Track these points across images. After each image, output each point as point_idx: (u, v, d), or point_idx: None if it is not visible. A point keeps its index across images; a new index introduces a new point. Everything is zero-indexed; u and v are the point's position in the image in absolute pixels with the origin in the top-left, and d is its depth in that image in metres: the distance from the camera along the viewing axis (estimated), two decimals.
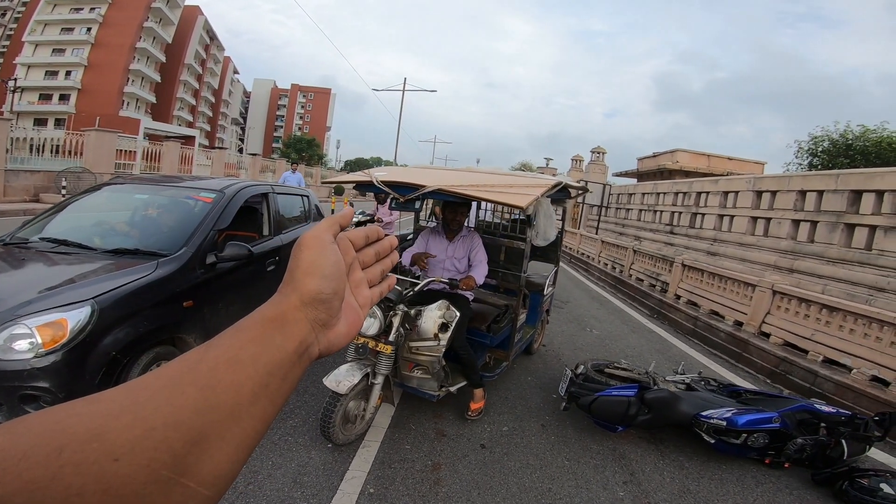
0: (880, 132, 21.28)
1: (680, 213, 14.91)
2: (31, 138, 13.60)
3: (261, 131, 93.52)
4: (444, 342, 3.08)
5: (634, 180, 25.33)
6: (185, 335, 3.07)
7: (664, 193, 16.46)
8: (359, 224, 7.68)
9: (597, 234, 17.46)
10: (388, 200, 3.44)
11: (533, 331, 4.89)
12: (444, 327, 3.08)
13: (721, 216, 12.37)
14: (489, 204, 5.25)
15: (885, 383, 4.68)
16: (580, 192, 4.62)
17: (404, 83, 30.30)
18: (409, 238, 6.66)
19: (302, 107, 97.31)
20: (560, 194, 4.07)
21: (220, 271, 3.38)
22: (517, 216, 4.98)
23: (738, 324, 6.88)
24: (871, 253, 7.84)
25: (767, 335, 6.31)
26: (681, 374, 4.33)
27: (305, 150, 66.59)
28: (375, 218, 7.97)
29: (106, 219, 3.73)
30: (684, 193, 14.83)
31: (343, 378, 2.83)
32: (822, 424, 3.49)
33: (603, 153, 31.58)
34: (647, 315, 8.80)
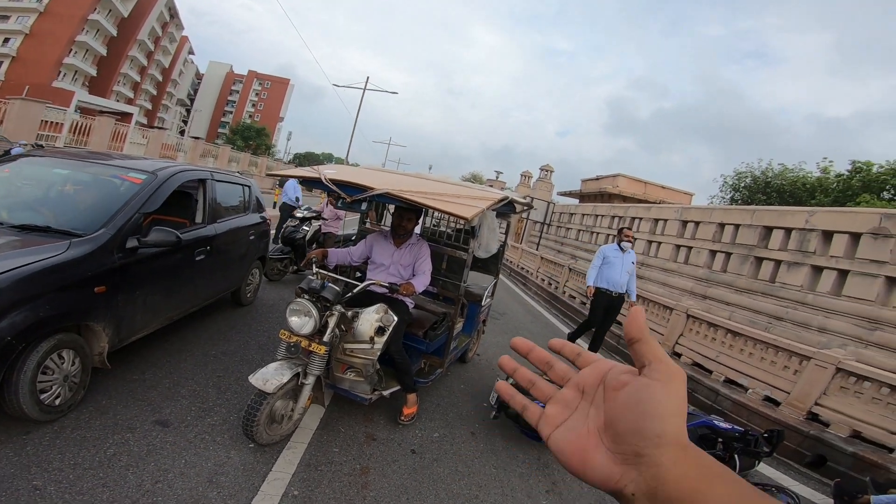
0: (797, 172, 23.45)
1: (614, 236, 15.70)
2: None
3: (208, 115, 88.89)
4: (379, 345, 3.06)
5: (577, 200, 26.37)
6: (94, 323, 2.82)
7: (602, 216, 17.31)
8: (303, 220, 7.48)
9: (537, 250, 18.04)
10: (337, 200, 3.38)
11: (468, 339, 4.97)
12: (380, 331, 3.06)
13: (650, 241, 13.17)
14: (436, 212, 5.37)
15: (776, 403, 5.20)
16: (525, 208, 4.70)
17: (366, 82, 29.66)
18: (352, 239, 6.58)
19: (256, 94, 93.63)
20: (506, 208, 4.16)
21: (142, 257, 3.14)
22: (462, 226, 5.02)
23: None
24: (774, 285, 8.66)
25: (679, 355, 6.82)
26: None
27: (253, 139, 63.99)
28: (321, 216, 7.74)
29: (18, 192, 3.42)
30: (619, 217, 15.68)
31: (271, 377, 2.73)
32: (720, 440, 3.75)
33: (551, 171, 32.67)
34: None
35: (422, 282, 3.46)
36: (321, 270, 3.22)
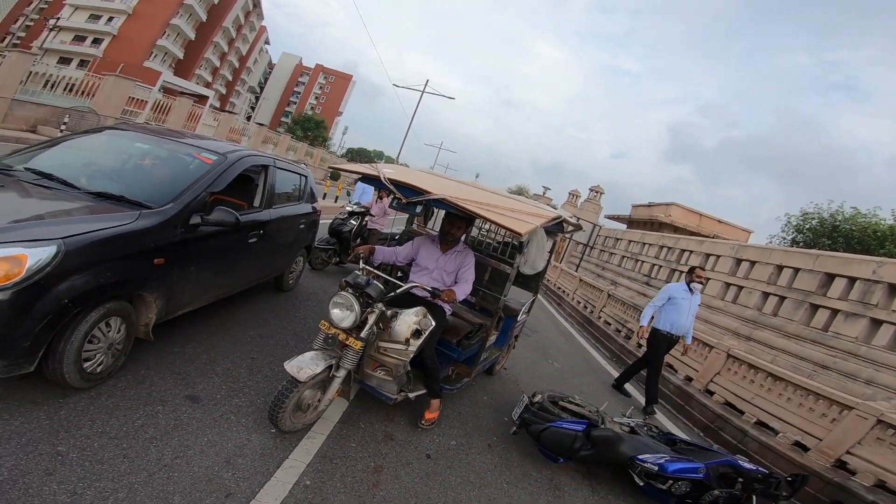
0: (870, 218, 21.62)
1: (660, 266, 15.25)
2: (50, 74, 13.43)
3: (274, 103, 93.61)
4: (413, 348, 3.06)
5: (624, 226, 25.70)
6: (147, 293, 2.88)
7: (649, 245, 16.81)
8: (352, 214, 7.63)
9: (577, 271, 17.72)
10: (390, 199, 3.44)
11: (499, 353, 4.95)
12: (417, 333, 3.06)
13: None
14: (485, 222, 5.39)
15: (805, 448, 4.97)
16: (574, 229, 4.64)
17: (425, 85, 29.82)
18: (395, 238, 6.70)
19: (320, 88, 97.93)
20: (554, 228, 4.13)
21: (201, 234, 3.23)
22: (509, 240, 5.04)
23: (689, 379, 7.11)
24: (827, 334, 8.16)
25: (712, 393, 6.54)
26: (627, 418, 4.46)
27: (312, 130, 66.23)
28: (369, 212, 7.84)
29: (99, 161, 3.56)
30: (668, 248, 15.18)
31: (306, 365, 2.78)
32: (740, 479, 3.64)
33: (600, 193, 31.95)
34: (608, 357, 9.00)
35: (463, 290, 3.46)
36: (367, 267, 3.27)
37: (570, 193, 34.85)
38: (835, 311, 8.29)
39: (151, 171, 3.51)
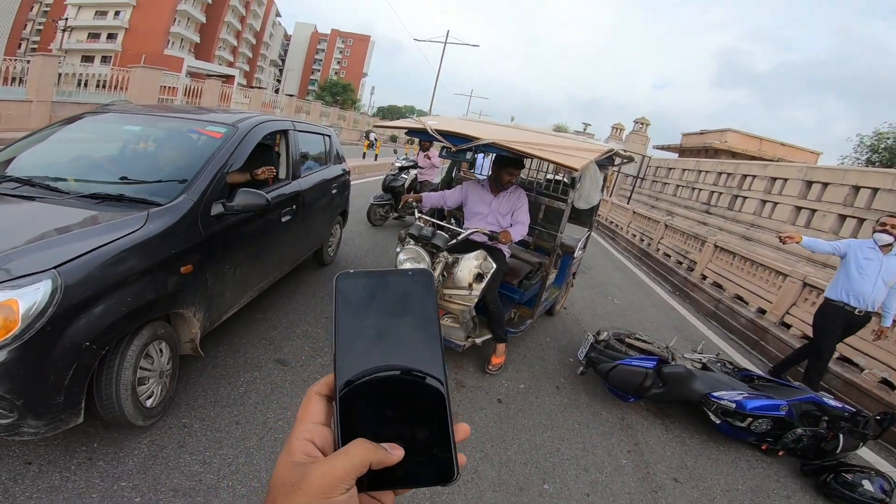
0: None
1: (720, 193, 14.17)
2: (79, 73, 13.83)
3: (298, 74, 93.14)
4: (477, 292, 2.98)
5: (675, 155, 24.00)
6: (183, 309, 2.34)
7: (706, 172, 15.60)
8: (402, 169, 7.76)
9: (628, 204, 16.82)
10: (440, 149, 3.33)
11: (558, 292, 4.80)
12: (479, 277, 2.98)
13: (764, 202, 11.70)
14: (532, 162, 5.16)
15: (893, 387, 4.47)
16: (625, 160, 4.39)
17: (447, 36, 28.83)
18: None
19: (340, 52, 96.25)
20: (605, 161, 3.94)
21: (227, 224, 2.60)
22: (560, 177, 4.83)
23: (762, 311, 6.61)
24: None
25: (788, 326, 6.05)
26: (699, 353, 4.23)
27: (340, 95, 66.08)
28: (419, 164, 7.97)
29: (86, 154, 2.92)
30: (728, 174, 14.01)
31: None
32: (825, 418, 3.40)
33: (646, 124, 29.98)
34: (670, 291, 8.56)
35: (519, 231, 3.32)
36: (425, 216, 3.21)
37: (613, 127, 32.95)
38: None
39: (151, 159, 2.89)
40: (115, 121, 3.19)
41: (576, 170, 2.86)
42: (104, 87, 14.06)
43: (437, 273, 2.87)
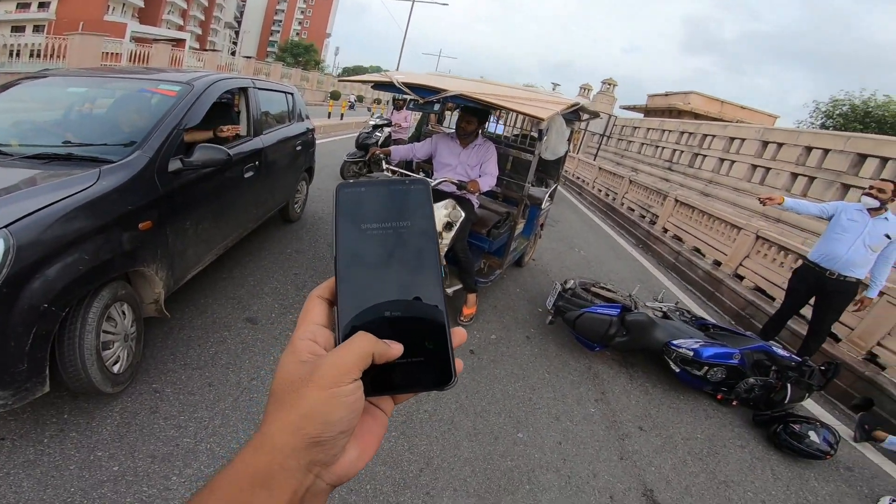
0: None
1: (682, 151, 14.33)
2: (9, 44, 12.49)
3: (256, 35, 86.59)
4: (447, 241, 2.93)
5: (641, 115, 24.05)
6: (144, 267, 2.21)
7: (669, 131, 15.71)
8: (376, 127, 7.64)
9: (594, 160, 16.82)
10: (407, 102, 3.25)
11: (527, 242, 4.79)
12: (448, 226, 2.93)
13: (722, 160, 11.89)
14: (500, 116, 5.03)
15: (837, 339, 4.68)
16: (591, 116, 4.45)
17: None
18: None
19: (301, 12, 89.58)
20: (571, 116, 3.94)
21: (187, 181, 2.50)
22: (529, 131, 4.80)
23: (717, 263, 6.79)
24: None
25: (741, 278, 6.25)
26: (659, 302, 4.29)
27: (302, 56, 62.28)
28: (393, 122, 7.84)
29: (29, 119, 2.71)
30: (690, 134, 14.13)
31: None
32: (774, 367, 3.47)
33: (613, 85, 29.73)
34: (633, 244, 8.69)
35: (488, 182, 3.31)
36: (392, 168, 3.12)
37: (581, 87, 32.50)
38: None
39: (101, 119, 2.73)
40: (56, 84, 2.96)
41: (542, 119, 2.88)
42: (39, 56, 12.71)
43: None
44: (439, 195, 3.18)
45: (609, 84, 29.93)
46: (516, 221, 3.88)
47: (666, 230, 8.48)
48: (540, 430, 2.61)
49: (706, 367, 3.29)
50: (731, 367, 3.32)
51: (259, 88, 3.76)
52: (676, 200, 8.49)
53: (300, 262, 3.95)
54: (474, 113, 3.36)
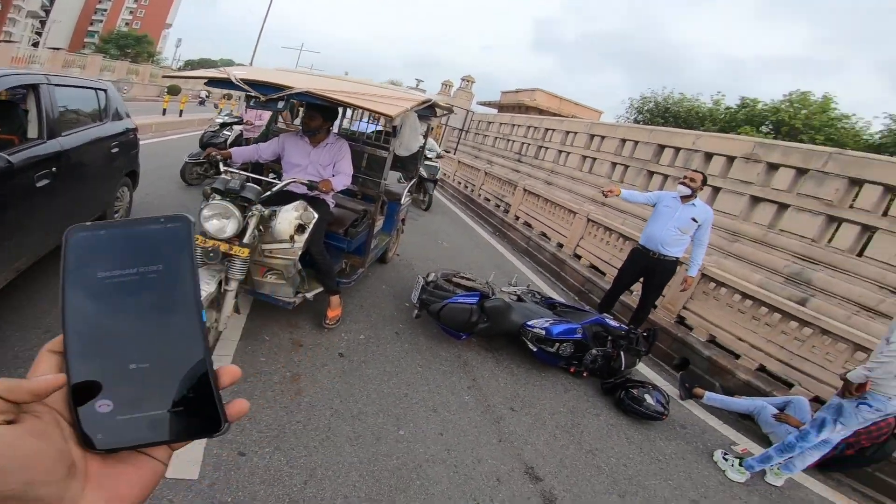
0: (693, 101, 24.92)
1: (529, 144, 15.81)
2: None
3: (70, 25, 73.61)
4: (300, 244, 2.86)
5: (496, 111, 26.02)
6: None
7: (518, 126, 17.19)
8: (224, 125, 6.98)
9: (454, 154, 17.71)
10: (249, 100, 3.05)
11: (388, 238, 4.83)
12: (300, 229, 2.86)
13: (560, 152, 13.43)
14: (356, 113, 5.02)
15: (655, 306, 5.63)
16: (446, 112, 4.61)
17: None
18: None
19: (135, 1, 78.90)
20: (427, 111, 4.02)
21: None
22: (382, 127, 4.82)
23: (560, 246, 7.77)
24: None
25: (580, 257, 7.25)
26: (513, 287, 4.64)
27: (132, 47, 54.12)
28: (245, 120, 7.12)
29: None
30: (535, 128, 15.66)
31: None
32: (609, 337, 3.90)
33: (471, 82, 31.73)
34: (491, 232, 9.45)
35: (342, 181, 3.28)
36: (231, 170, 2.87)
37: (442, 84, 34.06)
38: (665, 176, 9.36)
39: None
40: None
41: (391, 117, 2.90)
42: None
43: (251, 228, 2.63)
44: (289, 197, 3.06)
45: (468, 81, 31.71)
46: (374, 218, 3.91)
47: (518, 218, 9.39)
48: (420, 425, 2.72)
49: (557, 344, 3.64)
50: (577, 341, 3.70)
51: (56, 85, 3.26)
52: (525, 190, 9.45)
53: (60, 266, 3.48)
54: (318, 109, 3.29)
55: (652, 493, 2.77)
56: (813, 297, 5.60)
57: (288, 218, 2.80)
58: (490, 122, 20.75)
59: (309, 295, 3.24)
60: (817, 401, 3.91)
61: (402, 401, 2.91)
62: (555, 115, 20.24)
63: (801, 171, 6.56)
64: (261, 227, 2.77)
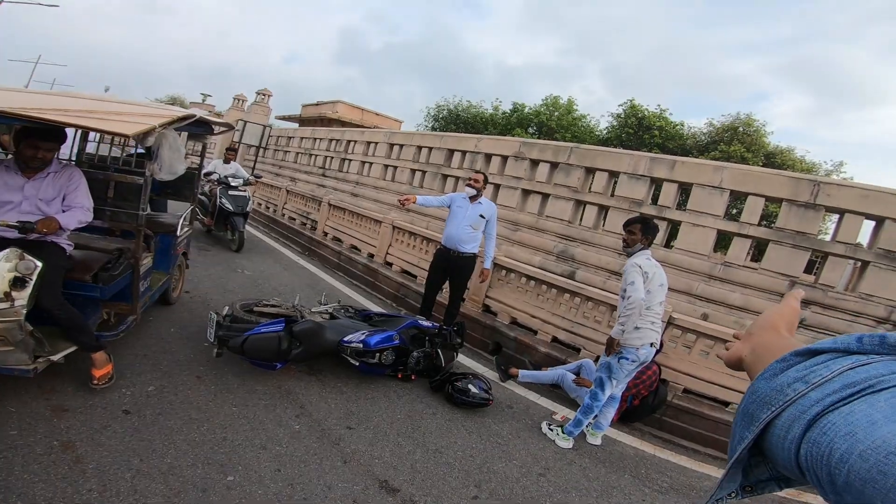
0: (478, 108, 28.44)
1: (332, 157, 15.78)
2: None
3: None
4: (22, 302, 2.36)
5: (296, 125, 25.23)
6: None
7: (320, 139, 17.01)
8: None
9: (252, 173, 16.55)
10: None
11: (167, 277, 4.28)
12: (19, 283, 2.35)
13: (363, 163, 13.77)
14: (102, 136, 4.31)
15: (463, 300, 6.04)
16: (224, 128, 4.34)
17: None
18: None
19: None
20: (199, 129, 3.76)
21: None
22: (141, 149, 4.20)
23: (371, 256, 8.05)
24: None
25: (391, 264, 7.63)
26: (324, 305, 4.61)
27: None
28: None
29: None
30: (337, 140, 15.72)
31: None
32: (427, 338, 4.10)
33: (268, 95, 29.90)
34: (299, 252, 9.21)
35: (77, 217, 2.81)
36: None
37: (235, 98, 31.36)
38: (456, 178, 10.37)
39: None
40: None
41: (127, 136, 2.54)
42: None
43: None
44: (4, 246, 2.45)
45: (264, 94, 29.79)
46: (138, 256, 3.40)
47: (326, 234, 9.37)
48: (251, 466, 2.56)
49: (378, 354, 3.73)
50: (396, 347, 3.85)
51: None
52: (330, 205, 9.48)
53: None
54: (42, 134, 2.71)
55: (503, 477, 3.01)
56: (578, 270, 6.98)
57: None
58: (291, 137, 20.05)
59: (55, 357, 2.69)
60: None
61: (222, 445, 2.69)
62: (357, 126, 20.69)
63: (554, 165, 8.09)
64: None
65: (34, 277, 2.40)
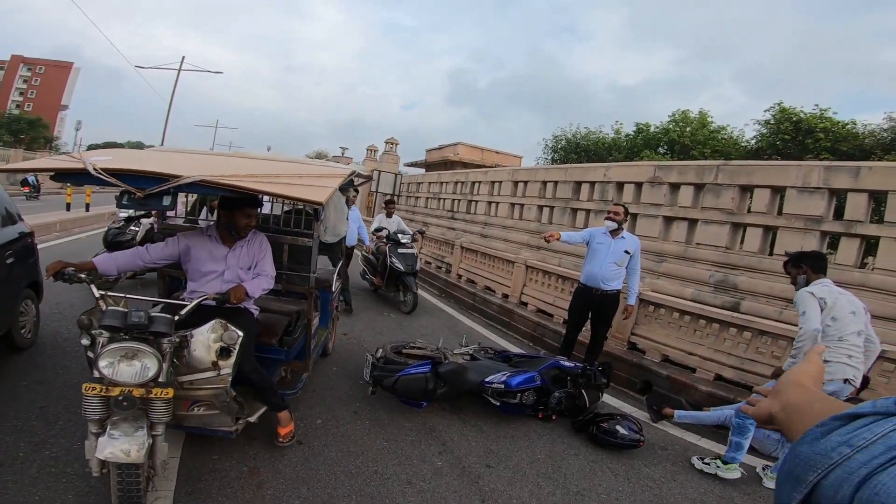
0: (598, 133, 27.55)
1: (459, 200, 16.59)
2: None
3: None
4: (228, 370, 2.46)
5: (423, 170, 27.22)
6: None
7: (446, 183, 18.04)
8: (129, 220, 6.51)
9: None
10: (121, 196, 2.40)
11: (326, 332, 4.57)
12: (224, 353, 2.45)
13: (489, 202, 14.20)
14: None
15: (606, 338, 5.68)
16: (365, 180, 4.59)
17: (181, 62, 26.58)
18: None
19: (25, 82, 78.20)
20: (345, 184, 3.84)
21: None
22: (300, 206, 4.14)
23: (505, 296, 8.16)
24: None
25: (526, 304, 7.64)
26: (465, 347, 4.82)
27: (25, 132, 52.49)
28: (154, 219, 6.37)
29: None
30: (462, 182, 16.53)
31: (127, 444, 2.12)
32: (569, 378, 4.11)
33: (395, 144, 32.87)
34: (436, 295, 9.72)
35: (262, 284, 2.91)
36: (114, 293, 2.48)
37: (367, 149, 35.09)
38: (587, 212, 10.04)
39: None
40: None
41: (320, 203, 2.59)
42: None
43: (166, 364, 2.25)
44: (203, 315, 2.55)
45: (391, 143, 32.78)
46: (310, 317, 3.62)
47: (460, 276, 9.77)
48: (397, 500, 2.76)
49: (519, 394, 3.84)
50: (537, 387, 3.92)
51: None
52: (462, 247, 9.92)
53: (46, 393, 3.38)
54: (245, 202, 2.86)
55: None
56: (743, 300, 6.22)
57: (204, 342, 2.41)
58: (420, 183, 21.55)
59: (252, 419, 2.90)
60: None
61: (374, 478, 2.95)
62: (479, 166, 21.56)
63: (699, 187, 7.46)
64: (175, 360, 2.38)
65: (237, 346, 2.49)
